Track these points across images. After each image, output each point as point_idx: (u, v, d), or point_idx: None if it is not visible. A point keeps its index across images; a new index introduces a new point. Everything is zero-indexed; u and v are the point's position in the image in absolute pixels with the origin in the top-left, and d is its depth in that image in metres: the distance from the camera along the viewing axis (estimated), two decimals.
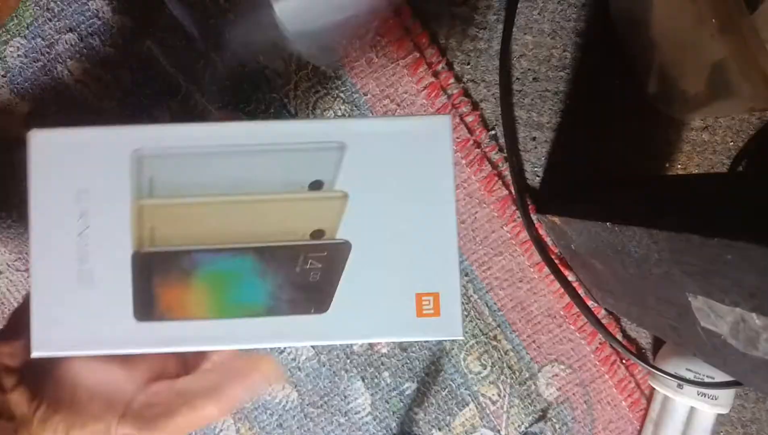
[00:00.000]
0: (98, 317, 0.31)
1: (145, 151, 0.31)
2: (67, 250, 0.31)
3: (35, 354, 0.30)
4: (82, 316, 0.31)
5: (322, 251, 0.32)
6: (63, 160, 0.31)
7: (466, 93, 0.55)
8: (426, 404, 0.55)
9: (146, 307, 0.31)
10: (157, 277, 0.31)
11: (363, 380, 0.55)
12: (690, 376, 0.51)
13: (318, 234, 0.32)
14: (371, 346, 0.55)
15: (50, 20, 0.53)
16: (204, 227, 0.31)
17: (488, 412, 0.55)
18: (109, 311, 0.31)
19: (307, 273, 0.32)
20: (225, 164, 0.32)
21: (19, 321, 0.31)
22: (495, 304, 0.55)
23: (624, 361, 0.55)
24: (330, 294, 0.32)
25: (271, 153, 0.32)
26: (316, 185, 0.32)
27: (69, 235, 0.31)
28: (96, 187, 0.31)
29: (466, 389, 0.55)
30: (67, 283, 0.31)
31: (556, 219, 0.49)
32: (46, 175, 0.31)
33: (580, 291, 0.55)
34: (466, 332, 0.55)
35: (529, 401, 0.55)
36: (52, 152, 0.32)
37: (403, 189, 0.32)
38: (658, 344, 0.55)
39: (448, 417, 0.55)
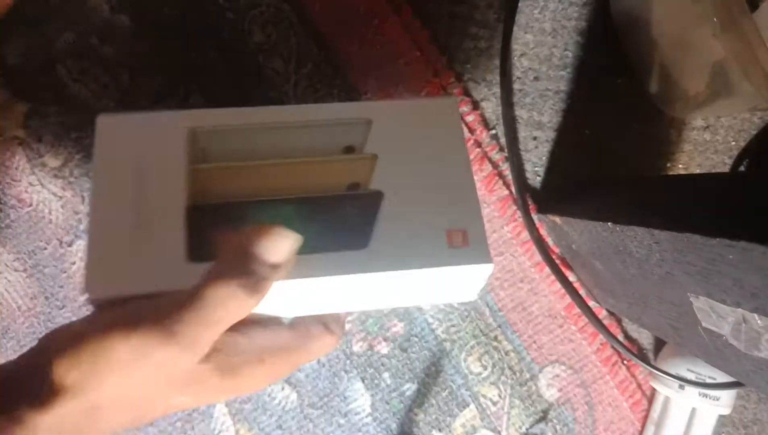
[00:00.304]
0: (152, 259, 0.34)
1: (198, 128, 0.36)
2: (126, 202, 0.34)
3: (89, 296, 0.32)
4: (136, 258, 0.34)
5: (358, 199, 0.36)
6: (126, 138, 0.36)
7: (466, 92, 0.54)
8: (426, 405, 0.55)
9: (199, 249, 0.34)
10: (210, 224, 0.34)
11: (363, 381, 0.55)
12: (691, 376, 0.50)
13: (354, 186, 0.36)
14: (371, 346, 0.55)
15: (49, 19, 0.53)
16: (252, 184, 0.36)
17: (489, 413, 0.55)
18: (163, 253, 0.34)
19: (347, 217, 0.36)
20: (268, 136, 0.37)
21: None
22: (496, 304, 0.55)
23: (625, 362, 0.55)
24: (368, 233, 0.35)
25: (308, 127, 0.37)
26: (348, 150, 0.37)
27: (128, 194, 0.34)
28: (154, 158, 0.35)
29: (466, 390, 0.55)
30: (123, 229, 0.34)
31: (557, 219, 0.49)
32: (110, 151, 0.35)
33: (581, 291, 0.54)
34: (466, 333, 0.55)
35: (530, 402, 0.55)
36: (117, 132, 0.36)
37: (423, 150, 0.37)
38: (659, 345, 0.55)
39: (448, 418, 0.55)
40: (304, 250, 0.34)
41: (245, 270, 0.30)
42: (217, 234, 0.34)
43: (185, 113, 0.36)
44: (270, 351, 0.34)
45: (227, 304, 0.30)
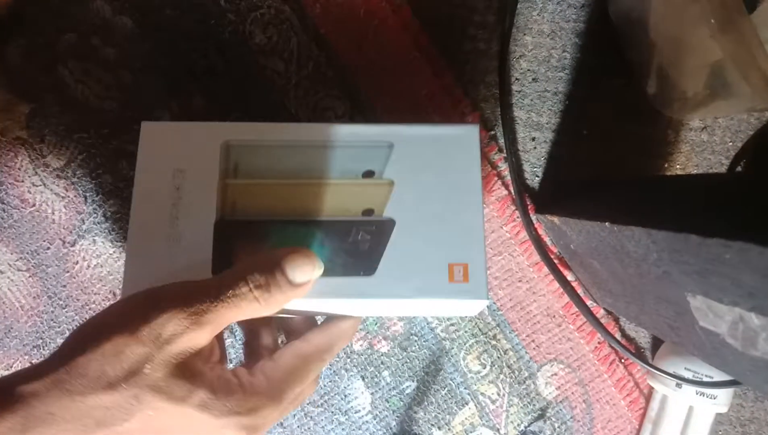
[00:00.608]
0: (182, 271, 0.37)
1: (232, 141, 0.39)
2: (161, 215, 0.38)
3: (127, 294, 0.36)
4: (168, 269, 0.37)
5: (371, 226, 0.38)
6: (165, 145, 0.39)
7: (465, 93, 0.55)
8: (426, 403, 0.55)
9: (224, 265, 0.37)
10: (235, 240, 0.38)
11: (363, 379, 0.55)
12: (689, 375, 0.51)
13: (368, 212, 0.39)
14: (371, 345, 0.55)
15: (51, 20, 0.53)
16: (277, 203, 0.38)
17: (487, 411, 0.55)
18: (191, 266, 0.37)
19: (358, 243, 0.38)
20: (296, 155, 0.39)
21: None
22: (494, 303, 0.55)
23: (623, 361, 0.55)
24: (376, 261, 0.38)
25: (333, 148, 0.39)
26: (368, 174, 0.39)
27: (164, 203, 0.38)
28: (190, 168, 0.38)
29: (465, 388, 0.55)
30: (158, 242, 0.37)
31: (555, 219, 0.49)
32: (151, 156, 0.38)
33: (579, 290, 0.55)
34: (466, 332, 0.55)
35: (528, 400, 0.55)
36: (157, 139, 0.39)
37: (439, 180, 0.39)
38: (656, 343, 0.55)
39: (447, 416, 0.55)
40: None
41: (269, 275, 0.33)
42: (240, 250, 0.38)
43: (222, 125, 0.39)
44: (245, 396, 0.34)
45: (242, 296, 0.32)
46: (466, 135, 0.40)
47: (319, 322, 0.41)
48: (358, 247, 0.38)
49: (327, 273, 0.37)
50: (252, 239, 0.38)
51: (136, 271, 0.37)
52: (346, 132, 0.40)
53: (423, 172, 0.39)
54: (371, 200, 0.39)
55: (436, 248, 0.38)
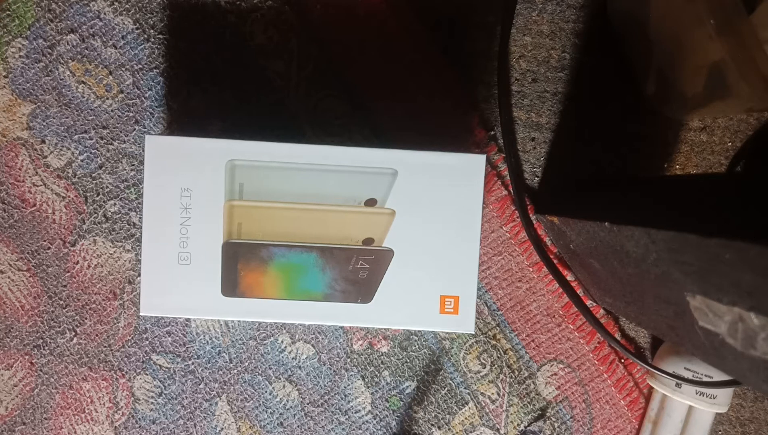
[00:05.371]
0: (193, 290, 0.40)
1: (237, 161, 0.39)
2: (172, 236, 0.39)
3: (143, 313, 0.40)
4: (180, 289, 0.40)
5: (370, 255, 0.40)
6: (171, 162, 0.39)
7: (465, 93, 0.55)
8: (426, 403, 0.55)
9: (231, 286, 0.40)
10: (241, 263, 0.40)
11: (363, 379, 0.55)
12: (688, 375, 0.51)
13: (368, 241, 0.40)
14: (371, 344, 0.55)
15: (52, 21, 0.53)
16: (280, 227, 0.39)
17: (487, 410, 0.55)
18: (201, 287, 0.40)
19: (357, 271, 0.40)
20: (300, 178, 0.40)
21: None
22: (494, 303, 0.55)
23: (622, 361, 0.55)
24: (374, 289, 0.40)
25: (338, 173, 0.40)
26: (370, 202, 0.40)
27: (173, 224, 0.39)
28: (197, 187, 0.39)
29: (465, 388, 0.55)
30: (169, 262, 0.39)
31: (555, 219, 0.49)
32: (158, 174, 0.39)
33: (579, 290, 0.55)
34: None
35: (528, 400, 0.55)
36: (163, 155, 0.39)
37: (440, 210, 0.40)
38: (656, 343, 0.55)
39: (447, 416, 0.55)
40: (315, 297, 0.40)
41: None
42: (245, 273, 0.40)
43: (227, 143, 0.40)
44: None
45: None
46: (472, 165, 0.40)
47: (320, 327, 0.44)
48: (358, 275, 0.40)
49: (326, 298, 0.40)
50: (256, 262, 0.40)
51: (152, 291, 0.40)
52: (350, 155, 0.40)
53: (425, 201, 0.40)
54: (372, 229, 0.40)
55: (430, 279, 0.40)
